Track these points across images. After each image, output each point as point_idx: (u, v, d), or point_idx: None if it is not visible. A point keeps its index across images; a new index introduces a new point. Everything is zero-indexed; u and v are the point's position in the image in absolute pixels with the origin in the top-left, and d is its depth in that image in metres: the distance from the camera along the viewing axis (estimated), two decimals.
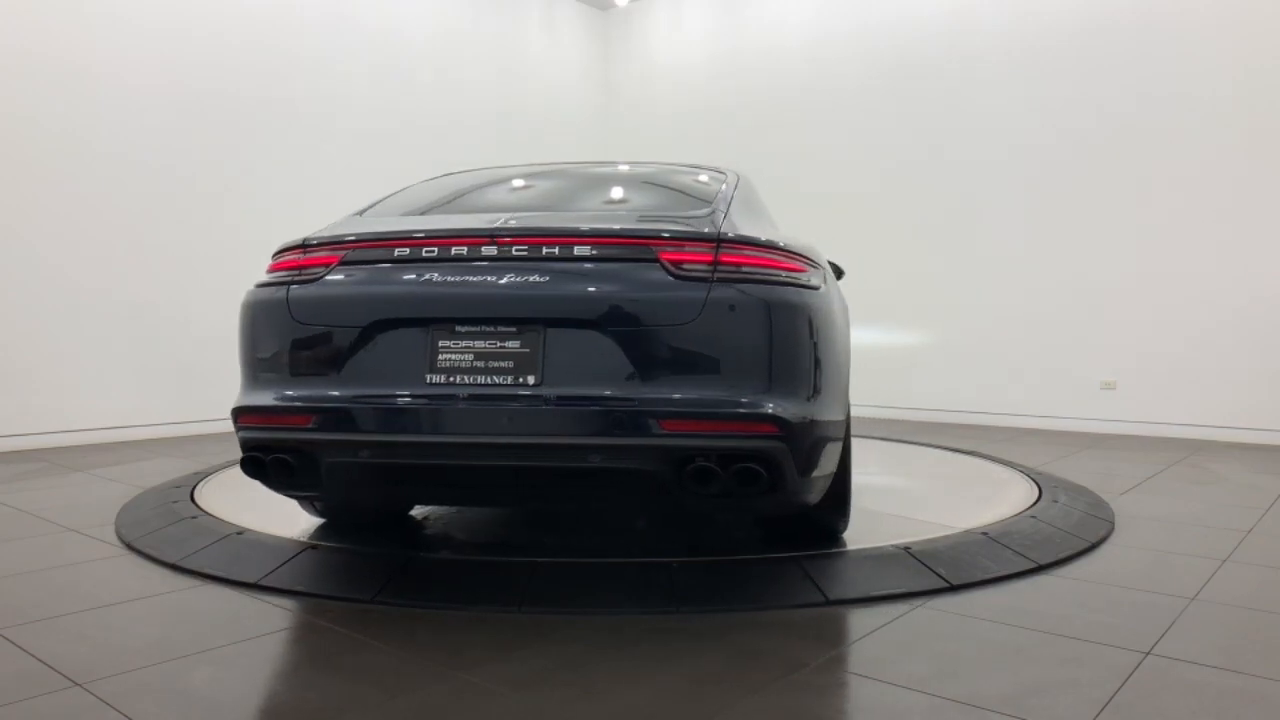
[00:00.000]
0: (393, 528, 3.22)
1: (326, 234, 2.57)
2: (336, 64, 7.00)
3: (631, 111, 9.25)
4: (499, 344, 2.30)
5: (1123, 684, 1.93)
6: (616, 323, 2.26)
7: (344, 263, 2.47)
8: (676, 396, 2.22)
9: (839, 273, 4.21)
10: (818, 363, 2.40)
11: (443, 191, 3.11)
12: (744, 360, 2.27)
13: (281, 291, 2.50)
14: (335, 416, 2.36)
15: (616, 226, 2.47)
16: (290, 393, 2.42)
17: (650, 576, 2.56)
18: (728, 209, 2.60)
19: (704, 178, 3.04)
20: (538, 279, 2.29)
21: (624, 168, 3.42)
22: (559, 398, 2.24)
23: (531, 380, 2.27)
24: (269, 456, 2.42)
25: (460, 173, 3.49)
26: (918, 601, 2.49)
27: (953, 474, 4.46)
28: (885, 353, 7.37)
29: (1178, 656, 2.10)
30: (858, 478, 4.25)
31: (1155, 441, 5.95)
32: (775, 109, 8.17)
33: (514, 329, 2.30)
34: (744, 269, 2.31)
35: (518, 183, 3.21)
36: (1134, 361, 6.33)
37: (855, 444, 5.30)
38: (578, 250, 2.33)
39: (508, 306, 2.30)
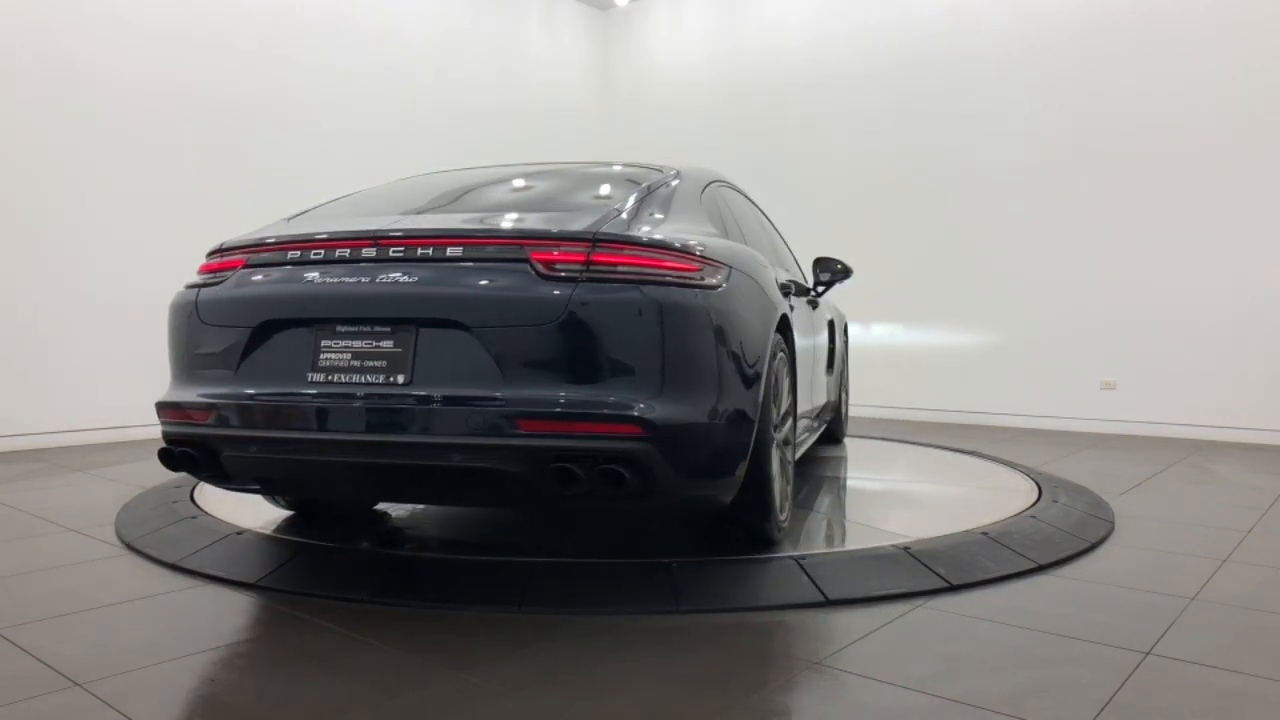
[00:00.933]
0: (393, 528, 3.22)
1: (237, 239, 2.67)
2: (337, 64, 7.01)
3: (631, 111, 9.25)
4: (374, 344, 2.35)
5: (1123, 684, 1.93)
6: (482, 323, 2.27)
7: (246, 266, 2.58)
8: (535, 396, 2.22)
9: (846, 272, 4.22)
10: (703, 362, 2.36)
11: (376, 195, 3.16)
12: (610, 360, 2.25)
13: (194, 294, 2.64)
14: (228, 413, 2.47)
15: (490, 227, 2.49)
16: (195, 390, 2.56)
17: (650, 576, 2.56)
18: (636, 208, 2.60)
19: (636, 177, 3.01)
20: (411, 280, 2.33)
21: (562, 168, 3.36)
22: (424, 397, 2.27)
23: (401, 379, 2.31)
24: (177, 449, 2.56)
25: (413, 177, 3.53)
26: (918, 601, 2.49)
27: (953, 474, 4.46)
28: (885, 353, 7.37)
29: (1178, 656, 2.10)
30: (856, 480, 4.26)
31: (1155, 441, 5.95)
32: (775, 108, 8.16)
33: (389, 329, 2.35)
34: (619, 269, 2.29)
35: (449, 185, 3.18)
36: (1134, 361, 6.33)
37: (854, 444, 5.33)
38: (450, 251, 2.35)
39: (382, 307, 2.34)
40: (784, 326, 2.93)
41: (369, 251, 2.39)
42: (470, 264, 2.33)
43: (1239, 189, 5.92)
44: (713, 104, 8.60)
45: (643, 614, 2.40)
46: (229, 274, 2.60)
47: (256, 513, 3.35)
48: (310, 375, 2.39)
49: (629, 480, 2.21)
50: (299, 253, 2.49)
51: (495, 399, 2.23)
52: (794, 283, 3.86)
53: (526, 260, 2.29)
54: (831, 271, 4.21)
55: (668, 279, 2.32)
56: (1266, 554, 3.06)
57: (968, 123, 7.07)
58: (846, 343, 5.46)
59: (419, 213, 2.79)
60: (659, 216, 2.65)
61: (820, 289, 4.30)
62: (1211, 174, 6.02)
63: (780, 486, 2.85)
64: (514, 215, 2.68)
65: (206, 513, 3.33)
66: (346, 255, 2.42)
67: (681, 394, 2.29)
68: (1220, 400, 6.01)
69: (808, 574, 2.59)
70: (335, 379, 2.36)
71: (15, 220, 5.38)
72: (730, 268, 2.55)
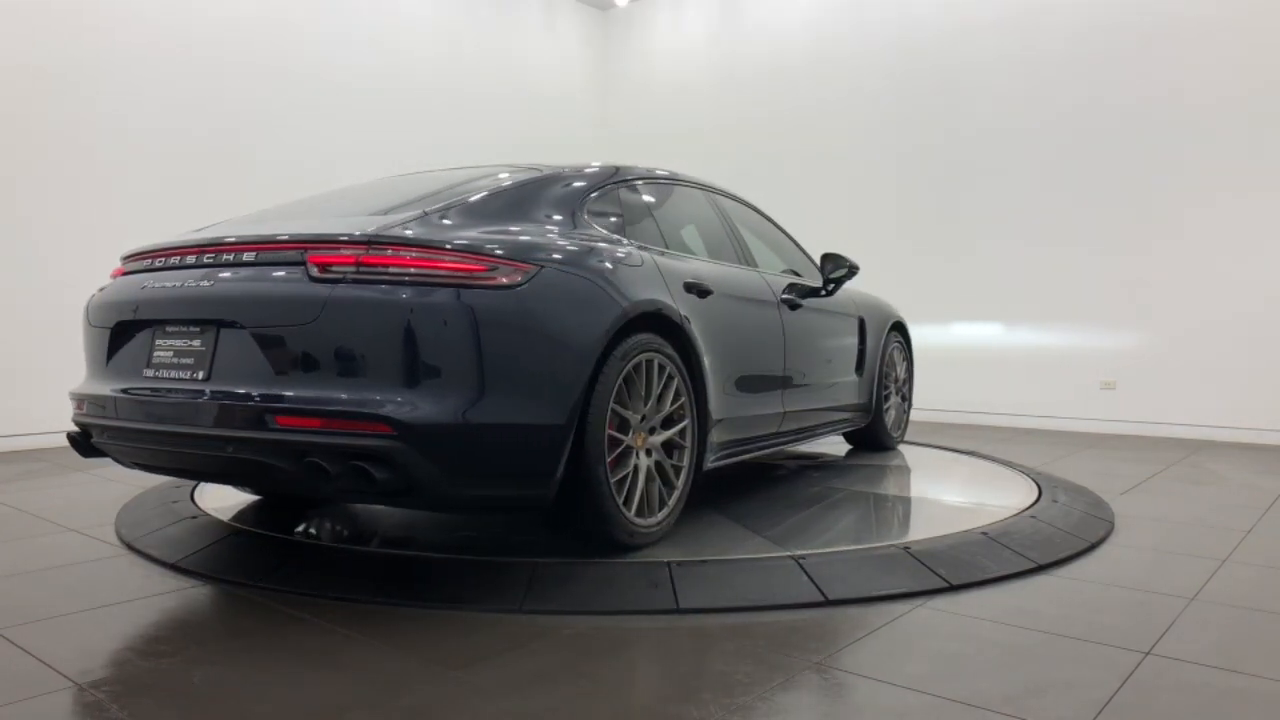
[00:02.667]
0: (393, 528, 3.22)
1: (134, 248, 2.91)
2: (336, 64, 7.01)
3: (632, 111, 9.25)
4: (189, 343, 2.55)
5: (1123, 684, 1.93)
6: (257, 323, 2.40)
7: (124, 274, 2.89)
8: (294, 394, 2.31)
9: (852, 270, 4.20)
10: (478, 363, 2.35)
11: (279, 207, 3.28)
12: (367, 359, 2.29)
13: (90, 299, 2.96)
14: (92, 403, 2.77)
15: (280, 233, 2.55)
16: (84, 382, 2.89)
17: (650, 576, 2.56)
18: (450, 209, 2.65)
19: (503, 177, 3.03)
20: (211, 284, 2.51)
21: (461, 172, 3.29)
22: (215, 392, 2.42)
23: (201, 376, 2.48)
24: (71, 433, 2.90)
25: (348, 185, 3.59)
26: (918, 601, 2.49)
27: (952, 474, 4.46)
28: None
29: (1178, 656, 2.10)
30: (856, 480, 4.26)
31: (1155, 441, 5.95)
32: (775, 108, 8.17)
33: (199, 329, 2.54)
34: (389, 270, 2.33)
35: (351, 192, 3.25)
36: (1134, 361, 6.33)
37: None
38: (245, 257, 2.51)
39: (192, 309, 2.54)
40: (661, 327, 2.88)
41: (192, 259, 2.63)
42: (261, 268, 2.46)
43: (1239, 189, 5.92)
44: (712, 104, 8.60)
45: (643, 614, 2.40)
46: (113, 280, 2.93)
47: (257, 513, 3.35)
48: (145, 371, 2.63)
49: (378, 478, 2.26)
50: (150, 261, 2.76)
51: (261, 395, 2.34)
52: (792, 282, 3.85)
53: (304, 264, 2.38)
54: (839, 268, 4.19)
55: (440, 279, 2.34)
56: (1266, 554, 3.06)
57: (968, 122, 7.07)
58: (904, 343, 5.15)
59: (280, 218, 2.91)
60: (489, 217, 2.69)
61: (831, 286, 4.25)
62: (1212, 174, 6.02)
63: (649, 490, 2.82)
64: (341, 219, 2.70)
65: (206, 513, 3.33)
66: (177, 263, 2.67)
67: (447, 394, 2.30)
68: (1220, 400, 6.01)
69: (808, 574, 2.59)
70: (161, 374, 2.59)
71: (16, 220, 5.38)
72: (542, 267, 2.52)
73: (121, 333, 2.74)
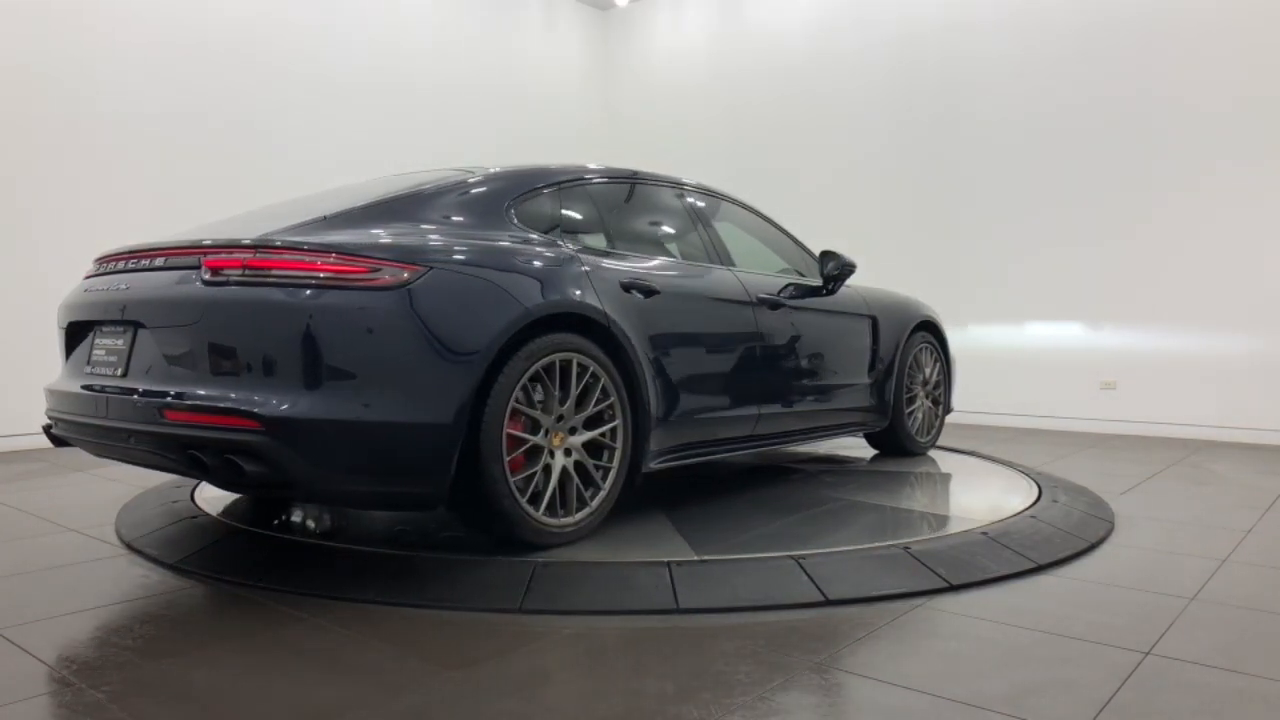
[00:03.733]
0: (393, 528, 3.22)
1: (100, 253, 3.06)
2: (336, 65, 7.01)
3: (632, 111, 9.25)
4: (115, 342, 2.74)
5: (1123, 684, 1.93)
6: (160, 324, 2.58)
7: (85, 277, 3.05)
8: (177, 390, 2.47)
9: (846, 268, 4.13)
10: (353, 361, 2.42)
11: (260, 206, 3.41)
12: (244, 357, 2.41)
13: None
14: (49, 397, 3.00)
15: (182, 240, 2.69)
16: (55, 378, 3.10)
17: (650, 576, 2.56)
18: (361, 214, 2.76)
19: (438, 180, 3.08)
20: (131, 288, 2.70)
21: (400, 180, 3.28)
22: (123, 389, 2.62)
23: (120, 373, 2.68)
24: (44, 425, 3.08)
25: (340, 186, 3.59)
26: (918, 601, 2.49)
27: (952, 474, 4.46)
28: None
29: (1178, 656, 2.10)
30: (856, 479, 4.26)
31: (1155, 441, 5.95)
32: (776, 107, 8.17)
33: (122, 330, 2.72)
34: (272, 272, 2.42)
35: (315, 196, 3.32)
36: (1134, 361, 6.33)
37: (854, 443, 5.33)
38: (158, 262, 2.68)
39: (117, 311, 2.73)
40: (584, 327, 2.89)
41: (122, 265, 2.82)
42: (168, 273, 2.61)
43: (1240, 188, 5.92)
44: (713, 103, 8.60)
45: (643, 614, 2.40)
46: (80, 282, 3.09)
47: (257, 513, 3.35)
48: (85, 368, 2.85)
49: (248, 470, 2.36)
50: (98, 266, 2.96)
51: (155, 391, 2.51)
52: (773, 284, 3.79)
53: (199, 267, 2.51)
54: (836, 266, 4.13)
55: (318, 281, 2.42)
56: (1266, 554, 3.06)
57: (968, 121, 7.07)
58: (936, 344, 4.93)
59: (227, 223, 3.05)
60: (403, 218, 2.79)
61: (832, 285, 4.17)
62: (1213, 173, 6.02)
63: (566, 490, 2.84)
64: (261, 224, 2.77)
65: (206, 513, 3.34)
66: (112, 268, 2.86)
67: (317, 391, 2.38)
68: (1220, 400, 6.01)
69: (808, 574, 2.59)
70: (96, 371, 2.79)
71: (16, 221, 5.38)
72: (430, 268, 2.56)
73: (75, 333, 2.97)
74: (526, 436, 2.72)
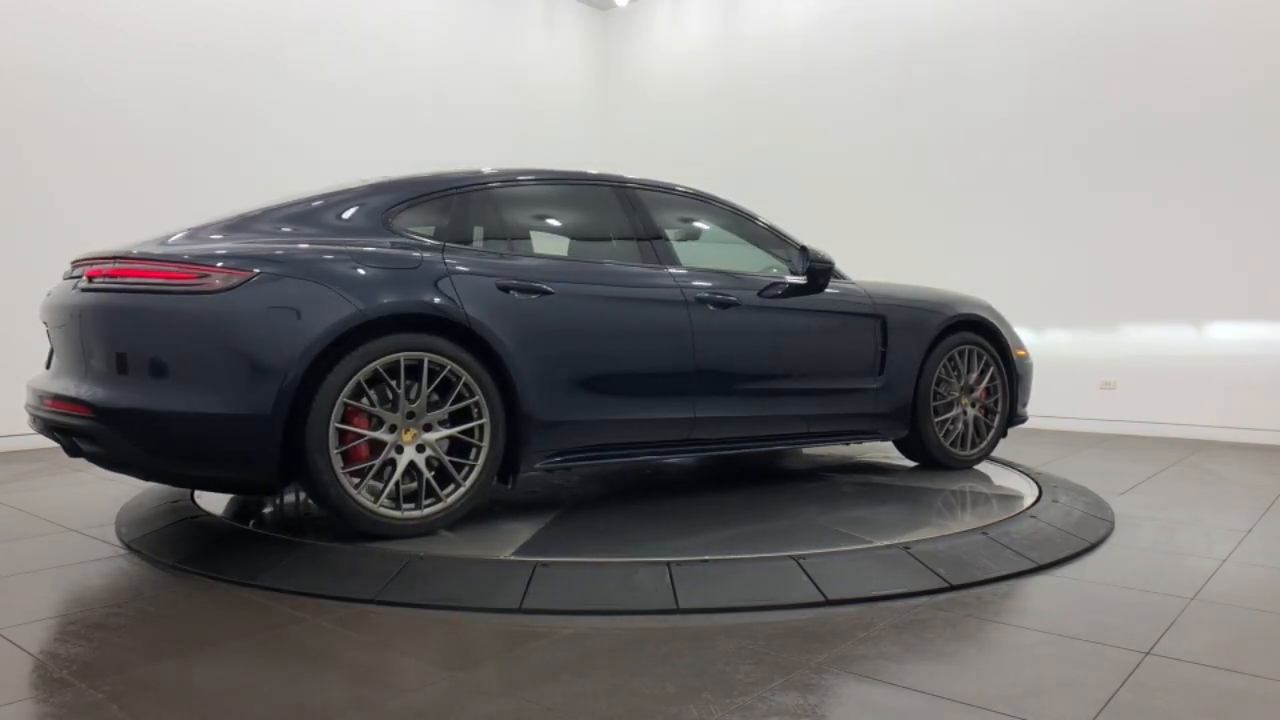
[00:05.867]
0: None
1: None
2: (336, 65, 7.01)
3: (632, 110, 9.25)
4: (52, 341, 3.13)
5: (1123, 684, 1.93)
6: (54, 325, 3.02)
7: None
8: (53, 380, 2.95)
9: (816, 262, 3.79)
10: (176, 357, 2.73)
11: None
12: (90, 353, 2.80)
13: None
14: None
15: (92, 253, 2.99)
16: None
17: (650, 576, 2.56)
18: (233, 224, 3.07)
19: (318, 192, 3.32)
20: (53, 294, 3.09)
21: (318, 190, 3.43)
22: (45, 381, 3.07)
23: (47, 367, 3.16)
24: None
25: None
26: (918, 601, 2.49)
27: (952, 474, 4.46)
28: None
29: (1178, 656, 2.10)
30: (856, 479, 4.26)
31: (1155, 441, 5.95)
32: (775, 107, 8.17)
33: (48, 330, 3.14)
34: (119, 280, 2.77)
35: (255, 206, 3.50)
36: (1134, 361, 6.33)
37: (854, 443, 5.31)
38: (75, 271, 3.01)
39: (44, 315, 3.14)
40: (441, 328, 2.97)
41: (66, 272, 3.12)
42: (76, 280, 2.93)
43: (1239, 188, 5.92)
44: (713, 103, 8.60)
45: (643, 614, 2.40)
46: None
47: (256, 513, 3.35)
48: (49, 362, 3.19)
49: (85, 450, 2.80)
50: (69, 267, 3.17)
51: (46, 383, 2.99)
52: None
53: (84, 276, 2.87)
54: (805, 260, 3.84)
55: (153, 287, 2.75)
56: (1266, 554, 3.07)
57: (967, 121, 7.07)
58: (988, 345, 4.39)
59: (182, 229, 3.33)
60: (276, 227, 3.07)
61: (815, 281, 3.87)
62: (1212, 173, 6.02)
63: (418, 484, 2.93)
64: (172, 234, 3.08)
65: (206, 513, 3.33)
66: (63, 274, 3.15)
67: (143, 383, 2.72)
68: (1220, 400, 6.01)
69: (807, 574, 2.59)
70: (48, 367, 3.18)
71: (17, 221, 5.38)
72: (257, 273, 2.77)
73: (45, 332, 3.25)
74: (363, 431, 2.83)
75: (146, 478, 2.92)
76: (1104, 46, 6.43)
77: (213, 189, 6.15)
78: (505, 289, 3.13)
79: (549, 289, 3.22)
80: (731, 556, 2.72)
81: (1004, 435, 4.54)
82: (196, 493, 3.69)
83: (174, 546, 2.97)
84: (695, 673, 2.00)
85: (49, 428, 2.93)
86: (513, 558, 2.71)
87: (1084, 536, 3.16)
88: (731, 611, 2.41)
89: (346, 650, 2.14)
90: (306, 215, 3.14)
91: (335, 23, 7.03)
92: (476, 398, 3.01)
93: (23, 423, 3.28)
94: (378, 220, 3.17)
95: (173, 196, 5.97)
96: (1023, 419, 4.62)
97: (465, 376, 2.99)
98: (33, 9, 5.45)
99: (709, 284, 3.65)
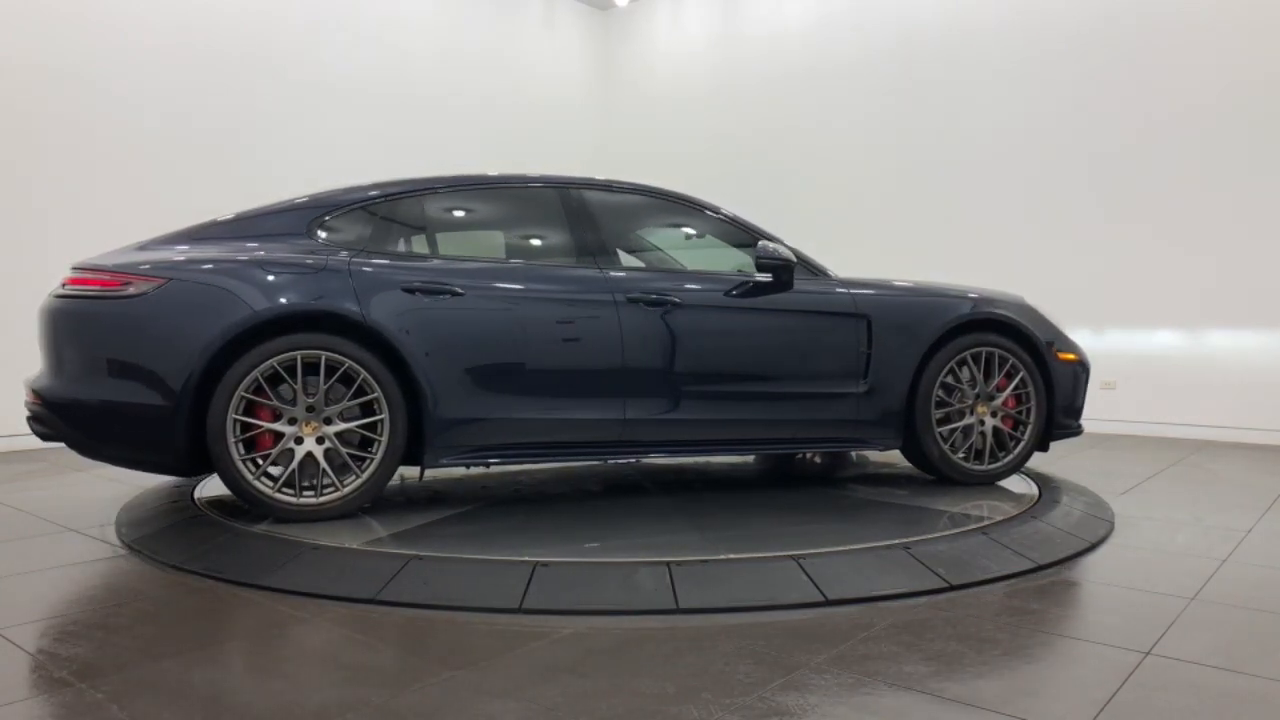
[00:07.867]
0: (391, 527, 3.22)
1: None
2: (336, 65, 7.00)
3: (632, 111, 9.25)
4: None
5: (1123, 684, 1.93)
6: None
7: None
8: (37, 376, 3.28)
9: (776, 263, 3.60)
10: (96, 354, 3.11)
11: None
12: (48, 350, 3.21)
13: None
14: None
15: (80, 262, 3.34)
16: None
17: (650, 576, 2.56)
18: (200, 230, 3.43)
19: (268, 204, 3.57)
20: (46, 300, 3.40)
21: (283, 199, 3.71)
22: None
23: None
24: None
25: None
26: (918, 601, 2.49)
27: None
28: None
29: (1178, 656, 2.10)
30: (856, 479, 4.25)
31: (1155, 441, 5.95)
32: (775, 108, 8.16)
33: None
34: (69, 287, 3.19)
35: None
36: (1134, 361, 6.33)
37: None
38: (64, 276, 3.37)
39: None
40: (342, 328, 3.15)
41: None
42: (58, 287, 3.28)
43: (1239, 188, 5.92)
44: (712, 103, 8.59)
45: (643, 614, 2.40)
46: None
47: (256, 513, 3.35)
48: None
49: (38, 430, 3.23)
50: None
51: (33, 378, 3.30)
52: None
53: (62, 284, 3.24)
54: (757, 257, 3.64)
55: (88, 294, 3.13)
56: (1266, 554, 3.07)
57: (967, 120, 7.07)
58: (1017, 351, 3.95)
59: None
60: (215, 237, 3.38)
61: (779, 279, 3.66)
62: (1212, 173, 6.02)
63: (313, 472, 3.13)
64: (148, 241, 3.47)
65: (206, 513, 3.33)
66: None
67: (72, 376, 3.13)
68: (1220, 400, 6.01)
69: (807, 574, 2.59)
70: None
71: (17, 221, 5.38)
72: (169, 280, 3.10)
73: None
74: (260, 423, 3.08)
75: (91, 457, 3.29)
76: (1104, 46, 6.43)
77: (213, 189, 6.14)
78: (410, 290, 3.26)
79: (459, 290, 3.31)
80: (731, 556, 2.72)
81: (1042, 449, 4.03)
82: (196, 493, 3.69)
83: (174, 546, 2.98)
84: (695, 673, 2.00)
85: (27, 418, 3.31)
86: (513, 558, 2.71)
87: (1084, 536, 3.16)
88: (732, 611, 2.41)
89: (346, 650, 2.14)
90: (248, 224, 3.44)
91: (335, 23, 7.03)
92: (376, 394, 3.18)
93: (22, 423, 3.31)
94: (301, 230, 3.42)
95: (173, 196, 5.97)
96: (1072, 430, 4.11)
97: (364, 374, 3.17)
98: (33, 9, 5.45)
99: (648, 283, 3.54)
